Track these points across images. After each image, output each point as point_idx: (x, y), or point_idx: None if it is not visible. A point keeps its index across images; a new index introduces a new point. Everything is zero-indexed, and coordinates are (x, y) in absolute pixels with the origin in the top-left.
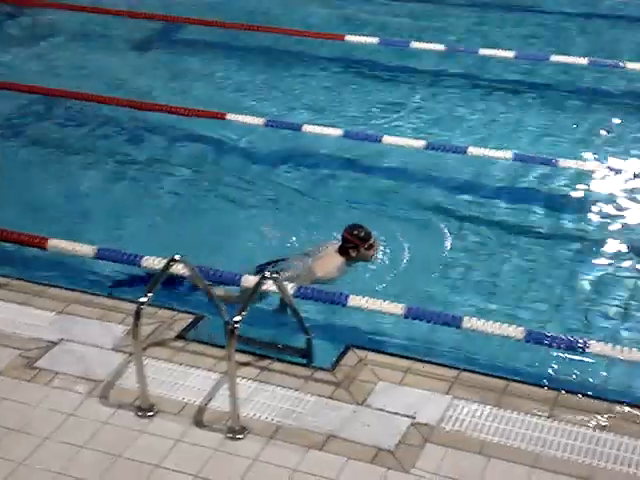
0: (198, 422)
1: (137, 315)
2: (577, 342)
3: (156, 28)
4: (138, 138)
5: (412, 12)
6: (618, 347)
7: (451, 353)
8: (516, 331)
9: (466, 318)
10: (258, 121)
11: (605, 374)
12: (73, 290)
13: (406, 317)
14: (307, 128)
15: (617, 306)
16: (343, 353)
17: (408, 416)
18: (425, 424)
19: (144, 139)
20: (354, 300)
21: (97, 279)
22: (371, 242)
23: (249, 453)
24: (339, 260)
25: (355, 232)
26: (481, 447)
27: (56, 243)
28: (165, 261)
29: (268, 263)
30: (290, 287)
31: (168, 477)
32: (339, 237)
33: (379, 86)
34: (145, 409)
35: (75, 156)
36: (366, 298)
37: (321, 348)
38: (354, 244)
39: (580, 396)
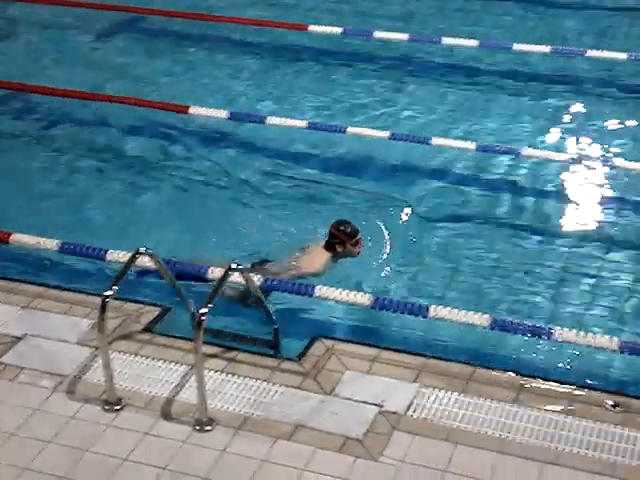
0: (166, 415)
1: (102, 308)
2: (542, 329)
3: (116, 19)
4: (96, 129)
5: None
6: (582, 333)
7: (418, 341)
8: (482, 319)
9: (432, 307)
10: (222, 114)
11: (570, 360)
12: (38, 285)
13: (373, 308)
14: (271, 120)
15: (582, 292)
16: (310, 343)
17: (376, 404)
18: (393, 412)
19: (101, 130)
20: (321, 291)
21: (62, 273)
22: (357, 238)
23: (217, 445)
24: (325, 255)
25: (342, 228)
26: (448, 434)
27: (19, 237)
28: (130, 254)
29: (258, 263)
30: (256, 279)
31: (136, 470)
32: (324, 233)
33: (343, 77)
34: (112, 403)
35: (30, 148)
36: (333, 289)
37: (288, 338)
38: (340, 240)
39: (545, 381)
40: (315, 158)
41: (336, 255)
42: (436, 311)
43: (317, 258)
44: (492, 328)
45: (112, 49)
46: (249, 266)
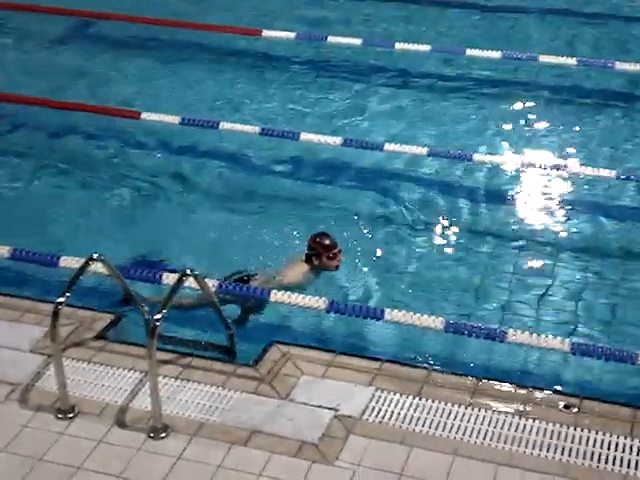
0: (120, 422)
1: (55, 316)
2: (495, 331)
3: (68, 24)
4: (49, 136)
5: (327, 5)
6: (535, 335)
7: (374, 345)
8: (436, 322)
9: (387, 310)
10: (174, 119)
11: (524, 362)
12: None
13: (328, 312)
14: (224, 125)
15: (535, 295)
16: (266, 348)
17: (331, 409)
18: (348, 416)
19: (55, 137)
20: (276, 296)
21: (12, 280)
22: (334, 251)
23: (172, 451)
24: (304, 268)
25: (318, 240)
26: (403, 437)
27: None
28: (83, 260)
29: (234, 275)
30: (211, 284)
31: (90, 479)
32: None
33: (296, 82)
34: (65, 411)
35: None
36: (288, 294)
37: (244, 344)
38: (317, 252)
39: (499, 383)
40: (265, 163)
41: (314, 268)
42: (391, 315)
43: (295, 270)
44: (446, 331)
45: (68, 54)
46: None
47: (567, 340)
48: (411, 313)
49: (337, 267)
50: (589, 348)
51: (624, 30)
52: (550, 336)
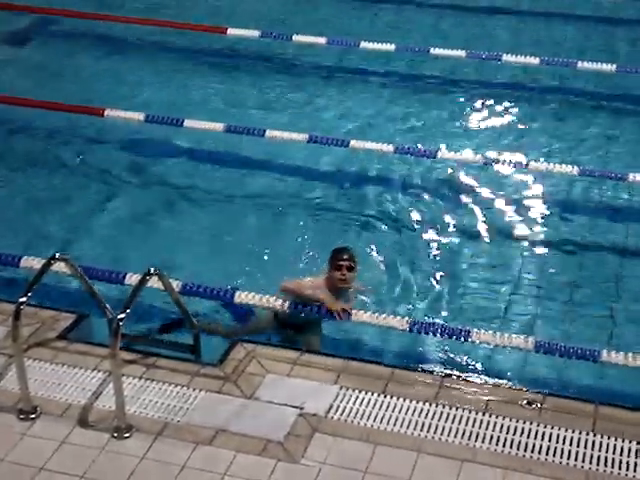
0: (83, 422)
1: (16, 315)
2: (459, 331)
3: (30, 22)
4: (9, 134)
5: (286, 3)
6: (499, 334)
7: (338, 345)
8: (401, 322)
9: (354, 311)
10: (139, 116)
11: (486, 359)
12: None
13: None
14: (189, 123)
15: (500, 293)
16: (231, 347)
17: (296, 407)
18: (313, 414)
19: (15, 136)
20: (240, 297)
21: None
22: (340, 263)
23: (136, 451)
24: (319, 280)
25: (334, 249)
26: (368, 435)
27: None
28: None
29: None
30: (175, 284)
31: (53, 479)
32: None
33: (261, 79)
34: (27, 411)
35: None
36: (252, 294)
37: (208, 343)
38: (329, 261)
39: (463, 381)
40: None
41: (331, 282)
42: (357, 315)
43: (311, 282)
44: (410, 331)
45: (29, 51)
46: None
47: (531, 339)
48: (376, 314)
49: (341, 281)
50: (552, 346)
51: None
52: (514, 335)
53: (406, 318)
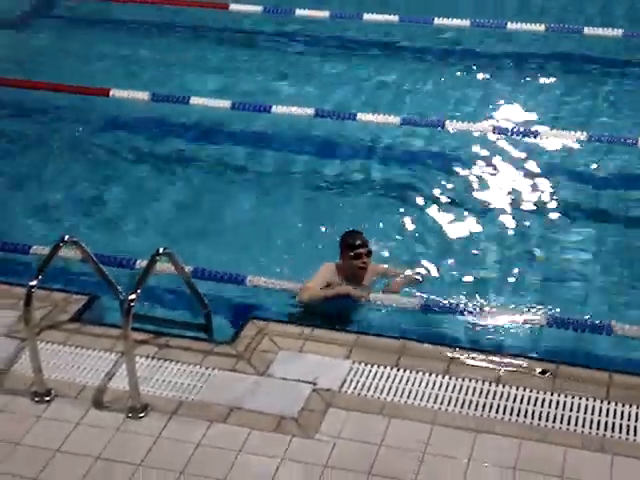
0: (98, 404)
1: (28, 299)
2: (474, 308)
3: (36, 4)
4: (21, 116)
5: None
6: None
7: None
8: (413, 302)
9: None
10: (143, 96)
11: (498, 329)
12: None
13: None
14: (195, 100)
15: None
16: (243, 325)
17: (310, 382)
18: (327, 389)
19: (24, 117)
20: (252, 281)
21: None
22: (358, 251)
23: (152, 431)
24: (330, 268)
25: (344, 236)
26: (382, 408)
27: None
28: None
29: None
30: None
31: (69, 461)
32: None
33: (266, 55)
34: (42, 394)
35: None
36: (264, 278)
37: (220, 321)
38: (341, 250)
39: (475, 352)
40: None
41: (342, 269)
42: (371, 296)
43: (321, 272)
44: (423, 311)
45: (31, 33)
46: None
47: (544, 313)
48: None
49: (361, 269)
50: (565, 320)
51: None
52: (525, 311)
53: (417, 298)
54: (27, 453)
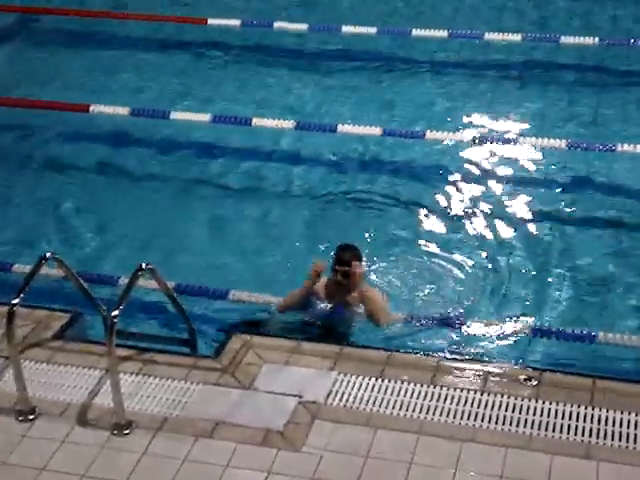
0: (82, 421)
1: (10, 317)
2: (456, 319)
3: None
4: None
5: None
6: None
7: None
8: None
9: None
10: (123, 111)
11: (482, 337)
12: None
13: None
14: (175, 115)
15: (495, 275)
16: (227, 338)
17: (295, 395)
18: (312, 402)
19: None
20: (234, 295)
21: None
22: (339, 267)
23: (137, 447)
24: (323, 279)
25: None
26: (368, 419)
27: None
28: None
29: None
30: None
31: (55, 479)
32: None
33: (242, 69)
34: (26, 412)
35: None
36: (247, 293)
37: (204, 336)
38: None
39: (459, 361)
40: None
41: (337, 281)
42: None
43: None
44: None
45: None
46: None
47: (528, 324)
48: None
49: (339, 284)
50: (549, 330)
51: None
52: (509, 321)
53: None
54: (12, 472)
